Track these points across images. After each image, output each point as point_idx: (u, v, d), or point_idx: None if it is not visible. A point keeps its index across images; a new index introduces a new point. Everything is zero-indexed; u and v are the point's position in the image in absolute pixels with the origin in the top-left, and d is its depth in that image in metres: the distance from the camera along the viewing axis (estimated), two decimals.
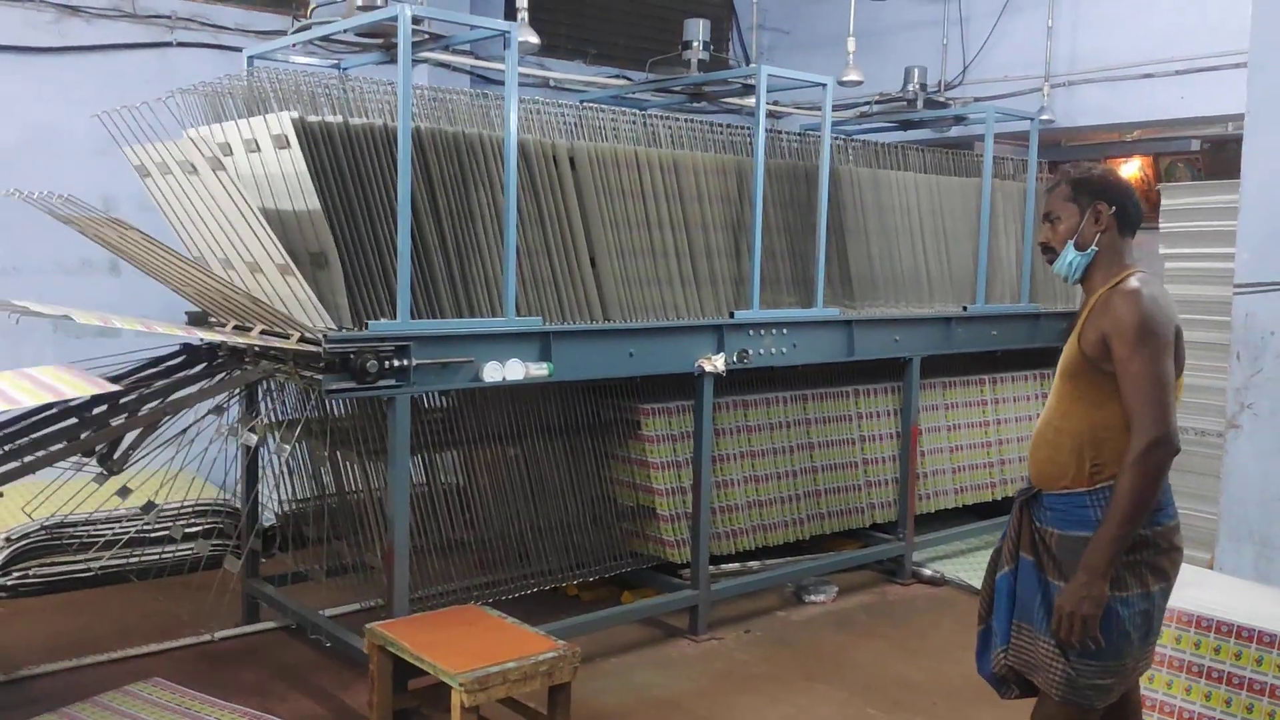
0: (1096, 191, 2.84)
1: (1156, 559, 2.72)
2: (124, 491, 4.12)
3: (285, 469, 4.99)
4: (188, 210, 4.19)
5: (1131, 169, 8.81)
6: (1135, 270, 2.80)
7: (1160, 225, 6.14)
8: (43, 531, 5.35)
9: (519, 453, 4.91)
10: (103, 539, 5.44)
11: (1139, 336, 2.62)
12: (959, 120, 6.86)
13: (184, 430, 4.02)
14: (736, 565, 5.55)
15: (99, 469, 3.87)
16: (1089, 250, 2.83)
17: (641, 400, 5.08)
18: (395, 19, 3.96)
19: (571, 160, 4.69)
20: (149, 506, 4.47)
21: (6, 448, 3.76)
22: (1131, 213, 2.85)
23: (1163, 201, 6.17)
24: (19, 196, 3.97)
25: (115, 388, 3.81)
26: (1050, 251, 2.89)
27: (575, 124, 4.85)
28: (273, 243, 3.78)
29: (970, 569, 6.09)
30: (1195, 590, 3.43)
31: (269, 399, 4.93)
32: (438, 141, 4.28)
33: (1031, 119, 6.58)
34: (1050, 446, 2.84)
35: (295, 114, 3.91)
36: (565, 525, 5.00)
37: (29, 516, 5.25)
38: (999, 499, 6.57)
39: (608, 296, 4.73)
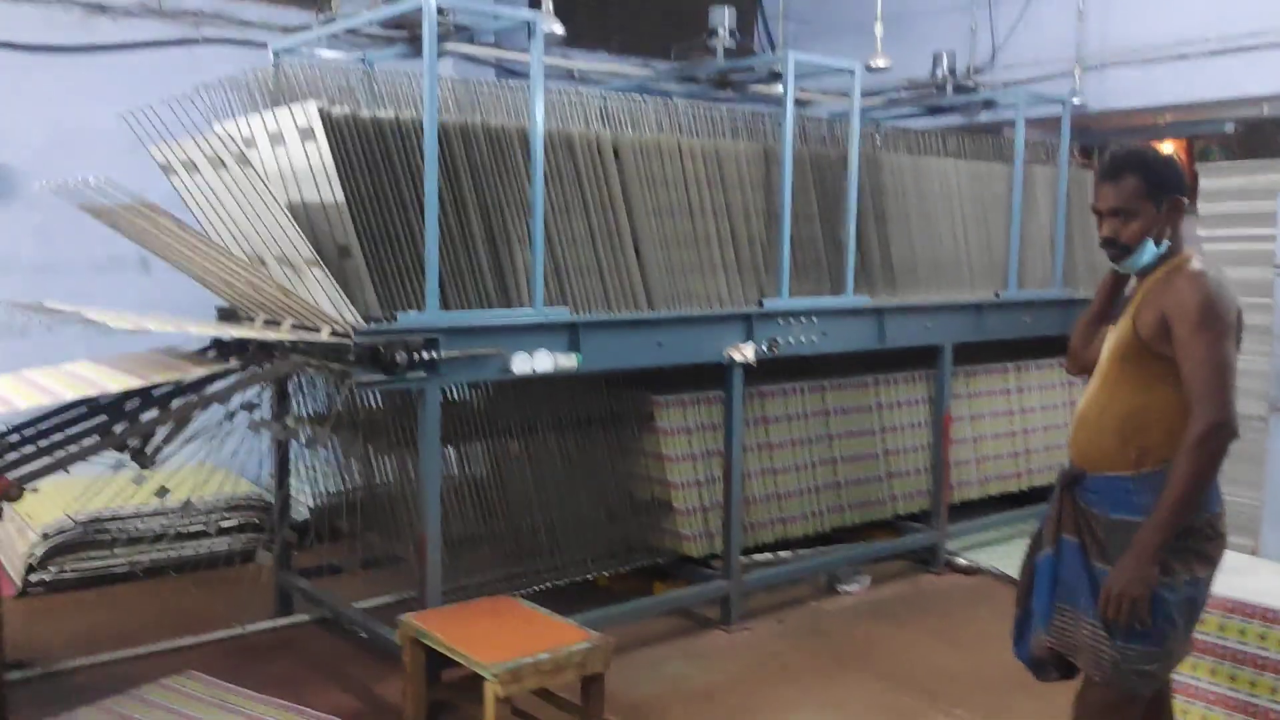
0: (1172, 185, 2.73)
1: (1203, 546, 2.67)
2: (162, 491, 4.14)
3: (316, 462, 5.01)
4: (215, 207, 4.20)
5: (1165, 151, 8.68)
6: (1193, 251, 2.75)
7: (1199, 207, 6.04)
8: (78, 527, 5.39)
9: (538, 446, 4.90)
10: (137, 534, 5.48)
11: (1203, 319, 2.56)
12: (989, 105, 6.78)
13: (218, 424, 4.03)
14: (768, 555, 5.52)
15: (132, 464, 3.88)
16: (1164, 242, 2.74)
17: (654, 391, 5.03)
18: (420, 10, 3.94)
19: (616, 151, 4.67)
20: (187, 506, 4.48)
21: (40, 444, 3.78)
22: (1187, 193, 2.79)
23: (1201, 182, 6.07)
24: (51, 187, 3.98)
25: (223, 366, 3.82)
26: (1117, 247, 2.76)
27: (618, 114, 4.82)
28: (300, 237, 3.78)
29: (1004, 558, 6.02)
30: (1240, 578, 3.36)
31: (299, 393, 4.94)
32: (475, 133, 4.27)
33: (1063, 102, 6.49)
34: (1094, 429, 2.79)
35: (320, 105, 3.91)
36: (592, 518, 4.98)
37: (69, 516, 5.30)
38: (1025, 489, 6.50)
39: (652, 285, 4.71)
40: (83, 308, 4.24)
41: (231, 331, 4.06)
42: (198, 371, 3.74)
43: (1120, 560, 2.63)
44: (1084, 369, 3.00)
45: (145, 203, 3.63)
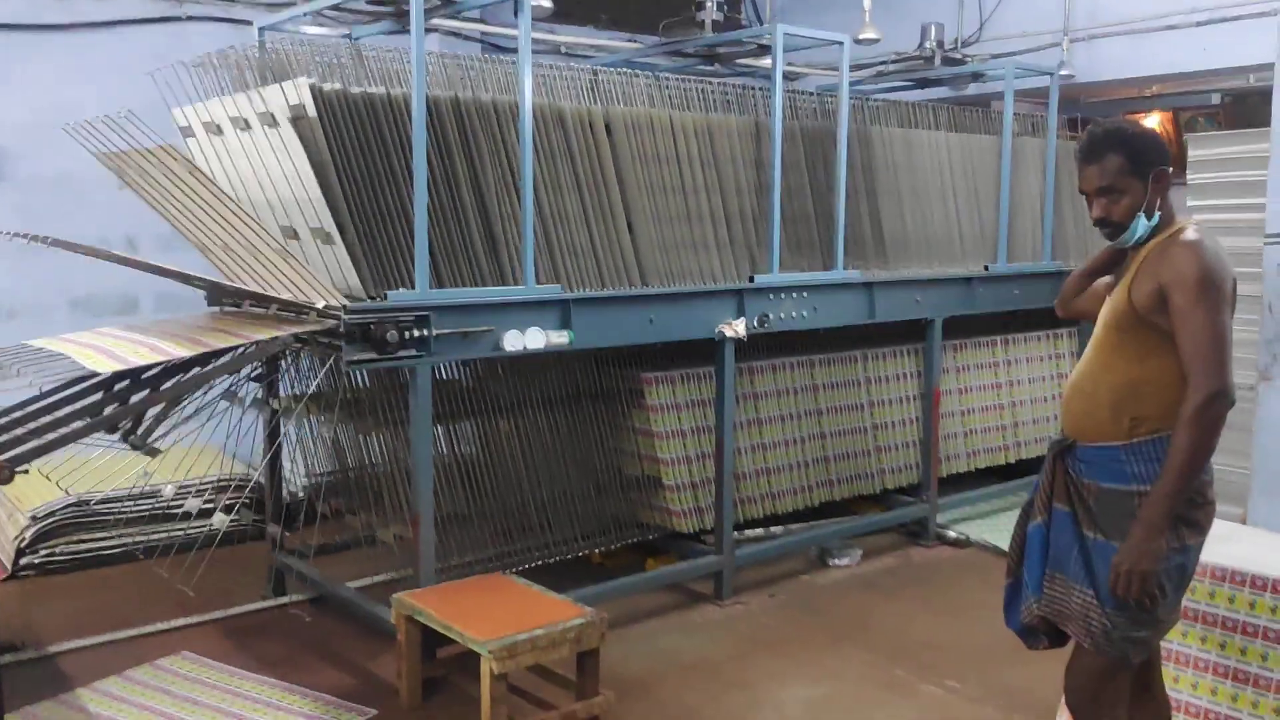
0: (1154, 157, 2.72)
1: (1191, 513, 2.69)
2: (149, 453, 4.09)
3: (307, 442, 4.99)
4: (226, 172, 4.18)
5: (1151, 124, 8.69)
6: (1188, 221, 2.75)
7: (1188, 177, 6.05)
8: (68, 509, 5.37)
9: (527, 423, 4.89)
10: (129, 515, 5.46)
11: (1200, 288, 2.57)
12: (978, 77, 6.76)
13: (207, 404, 4.01)
14: (760, 530, 5.53)
15: (124, 445, 3.86)
16: (1155, 214, 2.74)
17: (644, 369, 5.02)
18: None
19: (608, 126, 4.65)
20: (151, 451, 4.41)
21: (30, 425, 3.75)
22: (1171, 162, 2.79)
23: (1190, 152, 6.08)
24: (70, 129, 3.90)
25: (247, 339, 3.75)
26: (1110, 225, 2.75)
27: (609, 89, 4.79)
28: (323, 204, 3.76)
29: (994, 530, 6.05)
30: (1229, 545, 3.38)
31: (291, 371, 4.91)
32: (466, 109, 4.24)
33: (1051, 74, 6.48)
34: (1087, 398, 2.79)
35: (312, 81, 3.87)
36: (582, 495, 4.98)
37: (65, 490, 5.25)
38: (1013, 462, 6.53)
39: (645, 262, 4.70)
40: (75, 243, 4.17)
41: (224, 295, 4.02)
42: (190, 349, 3.71)
43: (1128, 537, 2.63)
44: (1072, 316, 3.18)
45: (164, 145, 3.56)
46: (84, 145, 3.95)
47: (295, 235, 4.02)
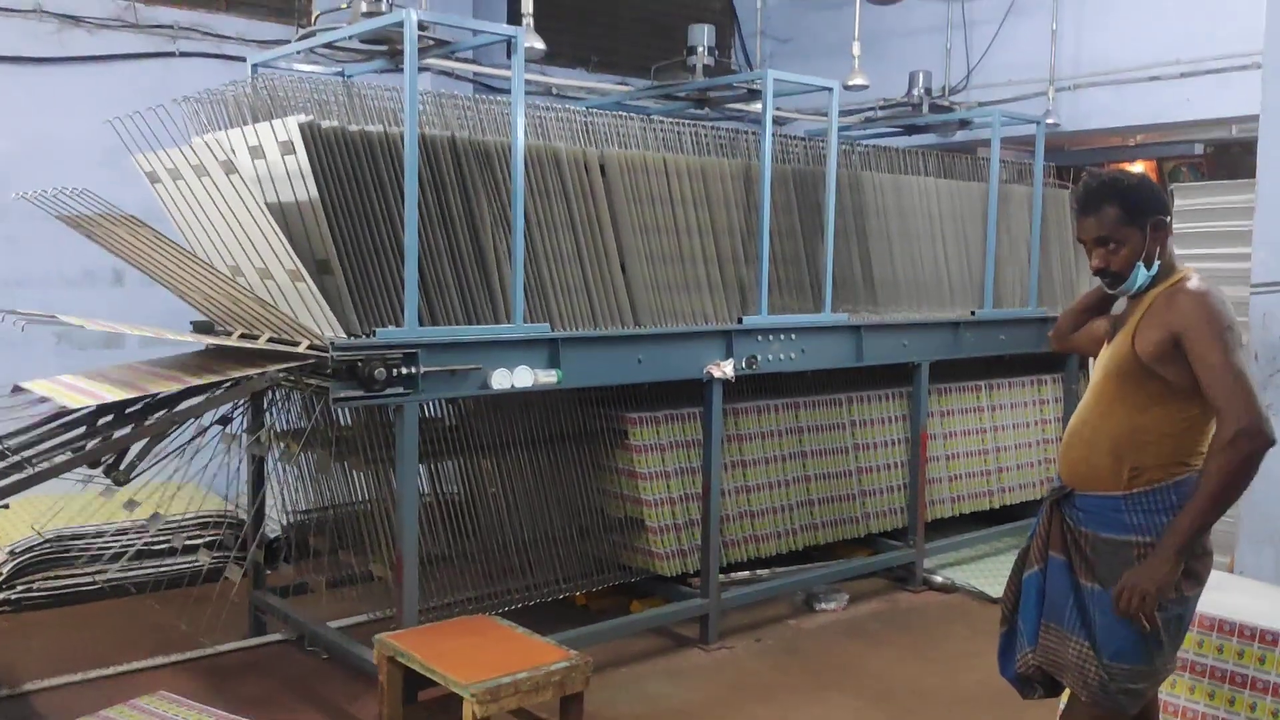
0: (1151, 207, 2.75)
1: (1191, 563, 2.68)
2: (130, 504, 4.07)
3: (291, 479, 4.95)
4: (197, 216, 4.17)
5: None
6: (1190, 270, 2.78)
7: (1173, 226, 6.12)
8: (46, 544, 5.30)
9: (510, 463, 4.86)
10: (107, 552, 5.40)
11: (1215, 330, 2.58)
12: (965, 124, 6.83)
13: (190, 440, 3.97)
14: (746, 574, 5.50)
15: (105, 481, 3.82)
16: (1155, 264, 2.76)
17: (627, 408, 5.01)
18: (401, 25, 3.93)
19: (602, 167, 4.67)
20: (155, 518, 4.42)
21: (12, 459, 3.71)
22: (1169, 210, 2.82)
23: (1175, 202, 6.15)
24: (26, 197, 3.92)
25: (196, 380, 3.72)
26: (1110, 275, 2.79)
27: (602, 130, 4.82)
28: (283, 247, 3.75)
29: (981, 575, 6.04)
30: (1218, 594, 3.38)
31: (275, 409, 4.88)
32: (462, 148, 4.26)
33: (1037, 122, 6.55)
34: (1086, 446, 2.79)
35: (308, 119, 3.88)
36: (564, 536, 4.94)
37: (37, 532, 5.21)
38: (998, 507, 6.52)
39: (638, 303, 4.70)
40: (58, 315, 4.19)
41: (209, 341, 4.01)
42: (171, 386, 3.68)
43: (1146, 559, 2.63)
44: (1067, 350, 3.25)
45: (125, 215, 3.58)
46: (45, 208, 3.95)
47: (270, 276, 4.00)
